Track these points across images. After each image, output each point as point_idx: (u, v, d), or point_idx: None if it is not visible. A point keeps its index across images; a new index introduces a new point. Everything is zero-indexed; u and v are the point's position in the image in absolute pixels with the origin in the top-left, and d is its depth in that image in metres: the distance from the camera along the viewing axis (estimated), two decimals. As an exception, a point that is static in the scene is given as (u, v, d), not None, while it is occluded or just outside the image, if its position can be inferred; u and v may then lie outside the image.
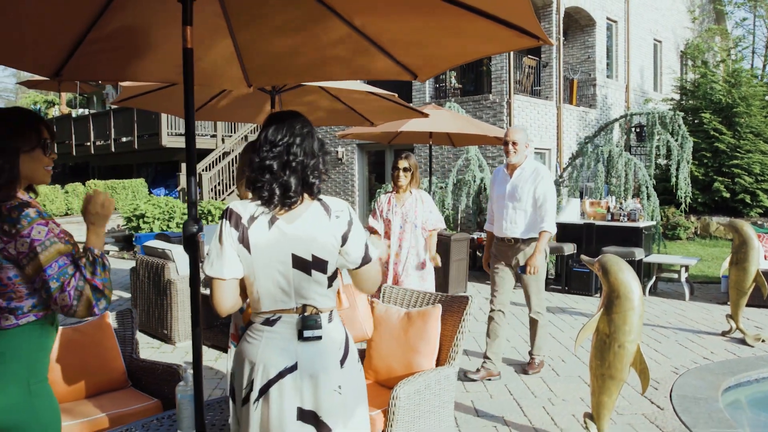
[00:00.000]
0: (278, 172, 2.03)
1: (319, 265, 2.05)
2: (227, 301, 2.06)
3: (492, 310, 5.22)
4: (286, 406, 2.01)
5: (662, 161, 12.44)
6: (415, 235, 5.27)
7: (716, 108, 15.34)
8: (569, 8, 15.21)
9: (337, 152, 16.31)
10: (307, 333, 2.03)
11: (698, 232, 14.59)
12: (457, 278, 8.79)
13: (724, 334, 6.54)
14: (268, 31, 3.19)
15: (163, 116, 16.53)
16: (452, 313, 3.33)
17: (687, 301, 8.35)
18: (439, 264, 5.58)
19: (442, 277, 8.38)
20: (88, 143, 19.68)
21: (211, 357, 5.78)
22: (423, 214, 5.29)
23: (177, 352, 6.00)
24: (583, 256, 4.04)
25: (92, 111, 21.92)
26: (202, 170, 16.32)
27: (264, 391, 2.03)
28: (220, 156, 16.81)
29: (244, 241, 2.04)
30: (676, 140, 10.70)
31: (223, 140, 17.67)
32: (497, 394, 4.80)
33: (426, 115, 5.78)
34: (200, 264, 2.39)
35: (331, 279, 2.09)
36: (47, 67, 3.28)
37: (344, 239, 2.08)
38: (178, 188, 16.83)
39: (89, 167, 22.42)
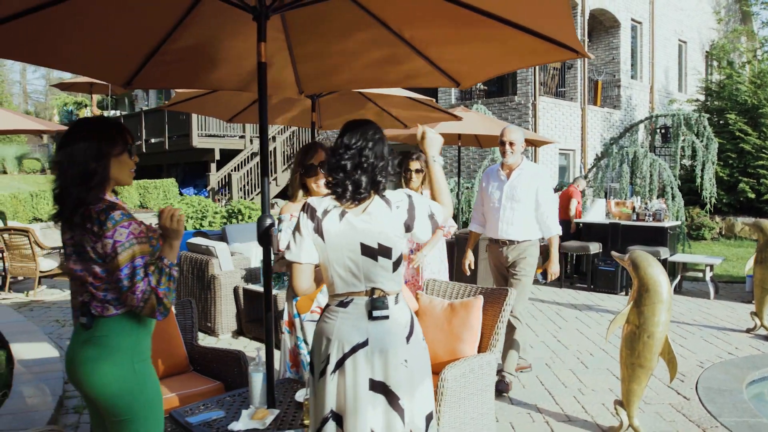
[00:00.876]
0: (351, 172, 2.32)
1: (385, 252, 2.33)
2: (304, 283, 2.39)
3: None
4: (359, 378, 2.30)
5: (687, 162, 12.55)
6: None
7: (742, 109, 15.38)
8: (594, 10, 15.35)
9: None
10: (375, 313, 2.32)
11: (723, 233, 14.65)
12: (484, 275, 9.00)
13: (748, 331, 6.70)
14: (323, 44, 3.47)
15: (194, 117, 16.93)
16: (492, 304, 3.58)
17: (712, 299, 8.49)
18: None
19: (470, 274, 8.60)
20: (120, 144, 20.13)
21: (252, 348, 6.07)
22: None
23: (220, 344, 6.30)
24: (613, 253, 4.27)
25: (123, 113, 22.42)
26: (232, 170, 16.70)
27: (340, 364, 2.32)
28: (248, 156, 17.17)
29: (318, 231, 2.34)
30: (702, 141, 10.83)
31: (251, 141, 18.04)
32: (529, 384, 5.04)
33: (459, 119, 6.02)
34: (272, 254, 2.68)
35: (396, 264, 2.36)
36: (120, 77, 3.59)
37: (407, 226, 2.36)
38: (208, 188, 17.22)
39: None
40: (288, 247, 2.38)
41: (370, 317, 2.33)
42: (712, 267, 8.75)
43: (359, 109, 5.92)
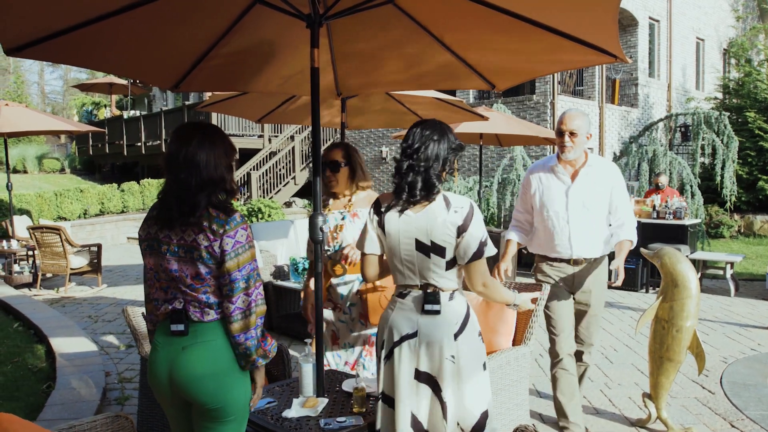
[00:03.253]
0: (405, 175, 2.46)
1: (437, 250, 2.45)
2: (369, 272, 2.65)
3: (558, 359, 3.89)
4: (404, 366, 2.46)
5: (706, 160, 12.58)
6: None
7: (761, 107, 15.35)
8: (611, 9, 15.38)
9: (381, 151, 16.72)
10: (427, 307, 2.46)
11: (741, 231, 14.65)
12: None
13: (770, 327, 6.78)
14: (364, 48, 3.60)
15: (214, 117, 17.12)
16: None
17: (732, 297, 8.55)
18: None
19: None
20: (139, 144, 20.42)
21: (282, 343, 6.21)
22: None
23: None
24: (642, 250, 4.38)
25: (142, 113, 22.69)
26: (251, 169, 16.89)
27: (390, 351, 2.50)
28: (267, 156, 17.36)
29: (381, 225, 2.53)
30: (722, 140, 10.86)
31: (269, 140, 18.22)
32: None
33: (486, 118, 6.14)
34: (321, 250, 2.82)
35: (450, 264, 2.48)
36: (168, 81, 3.73)
37: (459, 232, 2.43)
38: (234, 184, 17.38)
39: (138, 166, 23.21)
40: (359, 239, 2.62)
41: (422, 310, 2.46)
42: (732, 264, 8.80)
43: (388, 108, 6.04)
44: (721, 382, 5.03)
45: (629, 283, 9.08)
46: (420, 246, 2.46)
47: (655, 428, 4.14)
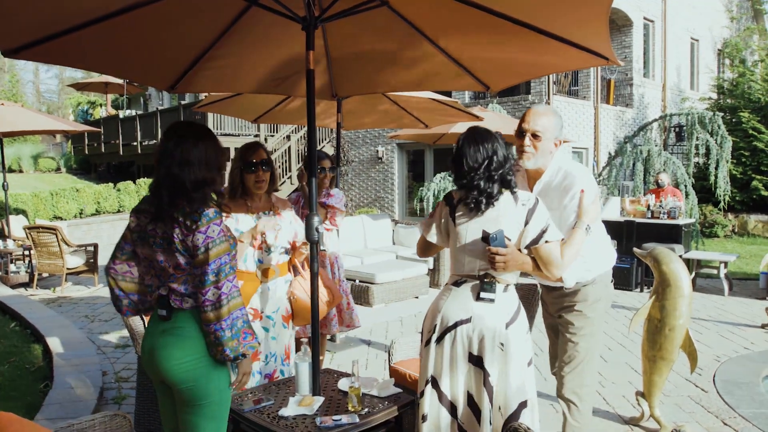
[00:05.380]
0: (484, 188, 2.64)
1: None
2: (421, 251, 2.99)
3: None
4: (458, 348, 2.64)
5: (700, 160, 12.65)
6: None
7: (755, 107, 15.43)
8: (607, 9, 15.43)
9: (377, 151, 16.76)
10: (483, 294, 2.63)
11: (735, 230, 14.72)
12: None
13: (763, 326, 6.82)
14: (360, 50, 3.63)
15: (209, 117, 17.11)
16: (524, 301, 3.73)
17: (726, 296, 8.61)
18: None
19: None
20: (135, 143, 20.40)
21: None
22: None
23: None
24: (635, 249, 4.42)
25: (138, 112, 22.67)
26: (247, 169, 16.86)
27: (442, 336, 2.67)
28: (263, 155, 17.35)
29: (452, 215, 2.73)
30: (715, 140, 10.93)
31: (266, 140, 18.21)
32: (551, 377, 5.16)
33: (481, 119, 6.17)
34: (318, 249, 2.85)
35: None
36: (165, 82, 3.75)
37: (526, 221, 2.65)
38: (223, 187, 17.38)
39: (134, 166, 23.20)
40: (424, 225, 2.88)
41: (478, 298, 2.63)
42: (726, 264, 8.86)
43: (383, 108, 6.07)
44: (714, 380, 5.08)
45: (624, 283, 9.14)
46: (486, 237, 2.61)
47: (648, 426, 4.18)
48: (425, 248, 2.96)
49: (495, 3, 2.69)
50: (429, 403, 2.73)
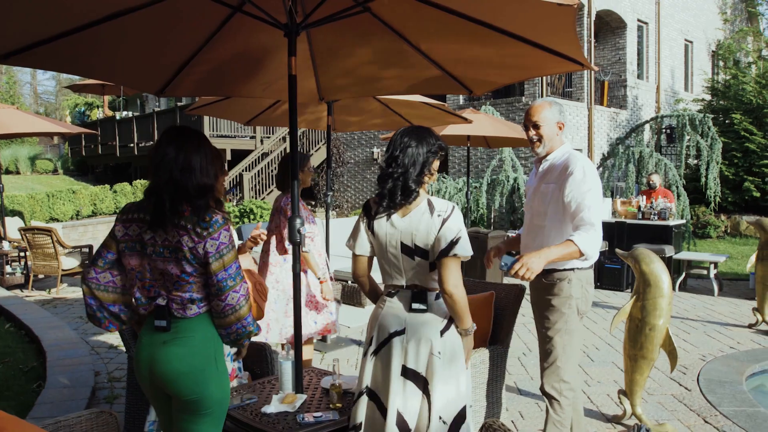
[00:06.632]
0: (384, 182, 2.60)
1: (421, 252, 2.57)
2: (358, 270, 2.78)
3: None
4: (393, 362, 2.58)
5: (693, 161, 12.74)
6: None
7: (747, 109, 15.52)
8: (600, 11, 15.53)
9: (373, 153, 16.84)
10: (414, 305, 2.60)
11: (728, 231, 14.81)
12: (493, 273, 9.24)
13: (750, 326, 6.90)
14: (344, 55, 3.71)
15: (206, 119, 17.17)
16: (505, 299, 3.81)
17: (716, 296, 8.69)
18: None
19: (479, 272, 8.85)
20: (132, 144, 20.47)
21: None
22: None
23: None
24: (617, 250, 4.49)
25: (135, 113, 22.73)
26: (243, 170, 16.95)
27: (379, 348, 2.64)
28: (259, 157, 17.42)
29: (370, 228, 2.66)
30: (706, 141, 11.01)
31: (262, 141, 18.28)
32: (537, 376, 5.21)
33: (469, 121, 6.24)
34: (300, 251, 2.92)
35: (434, 265, 2.58)
36: (153, 86, 3.83)
37: (439, 230, 2.53)
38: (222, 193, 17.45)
39: (131, 167, 23.27)
40: (350, 239, 2.74)
41: (410, 309, 2.60)
42: (716, 264, 8.94)
43: (371, 111, 6.15)
44: (698, 379, 5.15)
45: (614, 283, 9.22)
46: (405, 249, 2.58)
47: (630, 424, 4.25)
48: (361, 264, 2.76)
49: (472, 11, 2.77)
50: (361, 413, 2.66)
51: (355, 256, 2.76)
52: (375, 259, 2.75)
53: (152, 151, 2.43)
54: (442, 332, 2.59)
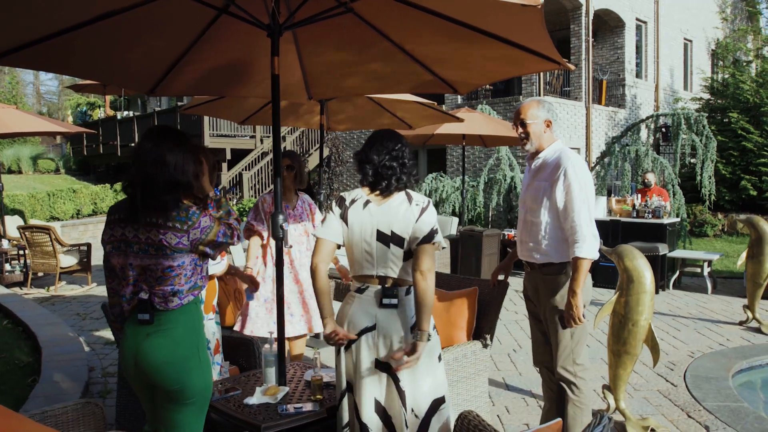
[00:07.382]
0: (386, 169, 2.71)
1: (397, 240, 2.63)
2: (318, 256, 2.67)
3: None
4: (364, 357, 2.63)
5: (690, 160, 12.79)
6: None
7: (744, 107, 15.55)
8: (599, 10, 15.57)
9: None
10: (385, 301, 2.63)
11: (725, 229, 14.85)
12: (488, 272, 9.30)
13: (741, 323, 6.95)
14: (331, 55, 3.77)
15: (205, 118, 17.25)
16: (489, 295, 3.87)
17: (709, 294, 8.74)
18: None
19: (474, 271, 8.91)
20: (133, 144, 20.54)
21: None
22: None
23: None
24: (602, 247, 4.54)
25: (136, 113, 22.81)
26: (243, 169, 17.04)
27: (350, 344, 2.66)
28: (259, 156, 17.50)
29: (344, 217, 2.69)
30: (701, 140, 11.06)
31: (261, 141, 18.36)
32: (526, 372, 5.32)
33: (461, 120, 6.30)
34: (284, 247, 2.99)
35: (408, 254, 2.65)
36: (144, 86, 3.90)
37: (417, 219, 2.63)
38: (219, 187, 17.55)
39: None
40: (320, 226, 2.77)
41: (381, 304, 2.63)
42: (710, 263, 8.99)
43: (365, 110, 6.21)
44: (684, 375, 5.20)
45: (609, 281, 9.26)
46: (381, 236, 2.64)
47: (614, 418, 4.31)
48: (325, 250, 2.70)
49: (450, 11, 2.83)
50: (347, 413, 2.72)
51: (320, 240, 2.68)
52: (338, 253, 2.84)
53: (135, 146, 2.55)
54: (413, 328, 2.63)
